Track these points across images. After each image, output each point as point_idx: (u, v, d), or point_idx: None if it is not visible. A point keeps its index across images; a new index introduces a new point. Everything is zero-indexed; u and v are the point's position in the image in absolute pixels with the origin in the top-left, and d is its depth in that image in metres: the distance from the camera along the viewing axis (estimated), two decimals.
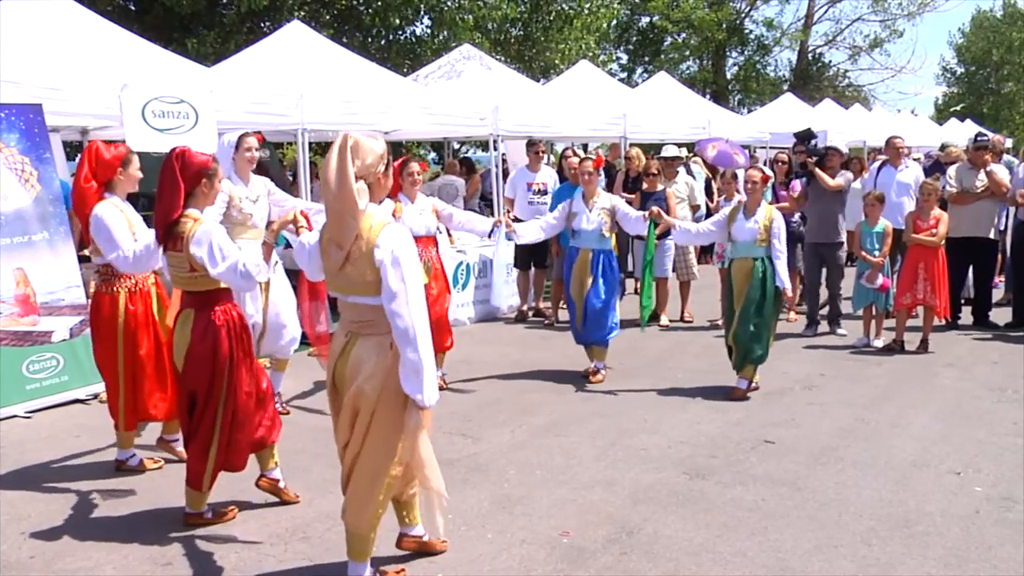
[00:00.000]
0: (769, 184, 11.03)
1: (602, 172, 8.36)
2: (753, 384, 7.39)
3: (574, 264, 7.77)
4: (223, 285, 4.70)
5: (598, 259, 7.69)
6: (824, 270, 9.99)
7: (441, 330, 7.11)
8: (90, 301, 5.68)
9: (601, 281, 7.67)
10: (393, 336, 3.80)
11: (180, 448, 5.59)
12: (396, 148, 22.17)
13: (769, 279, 7.19)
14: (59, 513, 5.12)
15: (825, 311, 9.99)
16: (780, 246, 7.22)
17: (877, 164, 11.55)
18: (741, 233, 7.31)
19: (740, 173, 10.10)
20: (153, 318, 5.65)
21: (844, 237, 9.95)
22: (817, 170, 9.70)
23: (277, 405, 6.71)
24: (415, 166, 7.41)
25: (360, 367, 3.90)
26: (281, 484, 5.15)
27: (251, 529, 4.83)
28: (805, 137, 10.42)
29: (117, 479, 5.62)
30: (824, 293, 10.10)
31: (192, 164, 4.69)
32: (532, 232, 7.64)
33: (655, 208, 7.50)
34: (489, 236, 7.42)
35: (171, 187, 4.64)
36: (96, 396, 7.42)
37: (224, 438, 4.73)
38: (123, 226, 5.31)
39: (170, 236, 4.67)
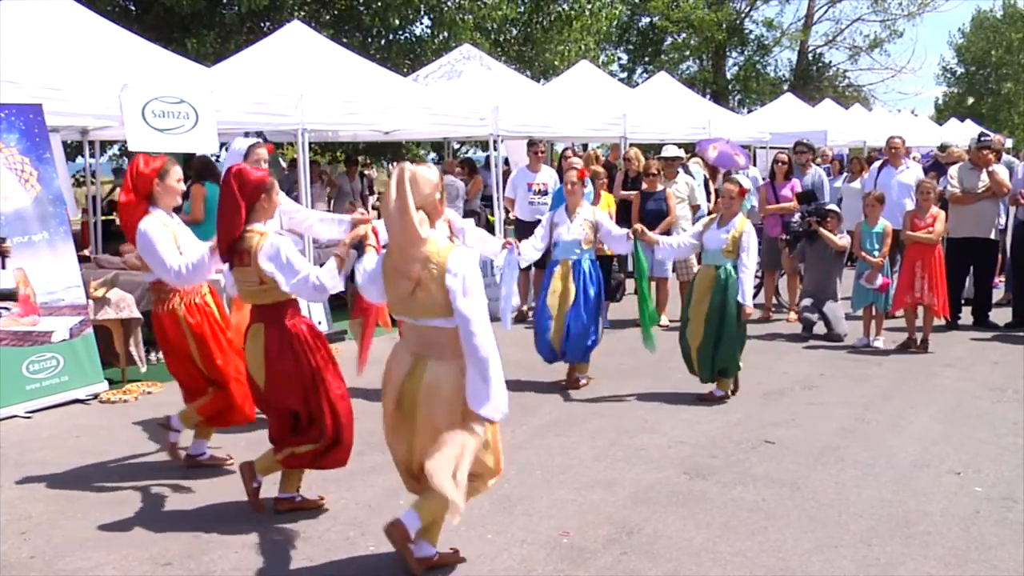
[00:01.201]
0: (769, 183, 11.10)
1: (588, 182, 8.25)
2: (729, 391, 7.35)
3: (553, 275, 7.58)
4: (291, 296, 4.76)
5: (579, 270, 7.50)
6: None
7: None
8: (152, 320, 5.65)
9: (582, 298, 7.45)
10: (467, 356, 3.94)
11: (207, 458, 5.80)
12: (396, 148, 22.16)
13: (731, 289, 7.07)
14: (59, 513, 5.11)
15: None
16: (748, 261, 7.07)
17: (877, 164, 11.55)
18: (711, 241, 7.27)
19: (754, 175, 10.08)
20: (219, 325, 5.62)
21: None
22: (823, 230, 9.62)
23: None
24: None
25: (436, 393, 4.01)
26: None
27: (250, 529, 4.82)
28: (807, 199, 10.36)
29: (117, 480, 5.62)
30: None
31: (250, 181, 4.73)
32: (530, 253, 7.28)
33: (638, 226, 7.45)
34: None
35: (231, 205, 4.69)
36: (96, 396, 7.43)
37: (329, 443, 4.84)
38: (168, 241, 5.27)
39: (234, 252, 4.71)
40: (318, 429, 4.79)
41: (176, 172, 5.53)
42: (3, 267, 7.07)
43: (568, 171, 7.94)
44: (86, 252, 10.37)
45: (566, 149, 13.75)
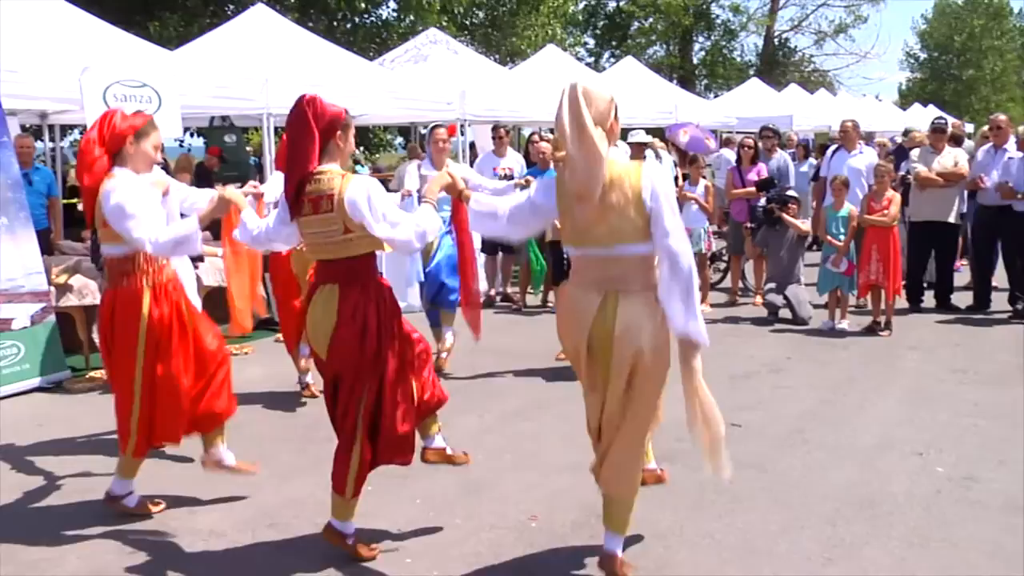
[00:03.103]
0: (735, 167, 11.16)
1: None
2: None
3: None
4: (370, 251, 4.16)
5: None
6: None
7: None
8: (102, 300, 4.81)
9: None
10: (668, 277, 3.64)
11: (229, 461, 5.00)
12: (363, 133, 22.03)
13: None
14: (22, 503, 5.06)
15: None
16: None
17: (832, 148, 11.60)
18: None
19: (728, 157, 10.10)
20: (184, 321, 4.74)
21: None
22: (786, 216, 9.68)
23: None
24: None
25: (634, 330, 3.69)
26: (448, 451, 4.72)
27: (216, 517, 4.79)
28: (767, 186, 10.44)
29: (81, 468, 5.55)
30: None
31: (326, 113, 4.13)
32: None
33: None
34: None
35: (305, 136, 4.08)
36: (59, 384, 7.34)
37: (366, 433, 4.17)
38: (144, 202, 4.47)
39: (304, 197, 4.08)
40: (354, 411, 4.15)
41: (156, 138, 4.76)
42: None
43: (438, 128, 7.90)
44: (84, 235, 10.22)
45: (533, 134, 13.69)
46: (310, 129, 4.06)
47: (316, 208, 4.05)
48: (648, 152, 11.22)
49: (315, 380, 6.79)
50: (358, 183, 4.05)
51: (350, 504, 4.24)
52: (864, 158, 10.48)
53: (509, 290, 11.13)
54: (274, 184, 5.84)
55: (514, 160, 11.25)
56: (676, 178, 12.22)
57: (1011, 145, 9.88)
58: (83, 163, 4.59)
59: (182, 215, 4.89)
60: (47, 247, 8.48)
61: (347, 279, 4.10)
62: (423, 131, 20.55)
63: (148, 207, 4.48)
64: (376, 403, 4.14)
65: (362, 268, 4.14)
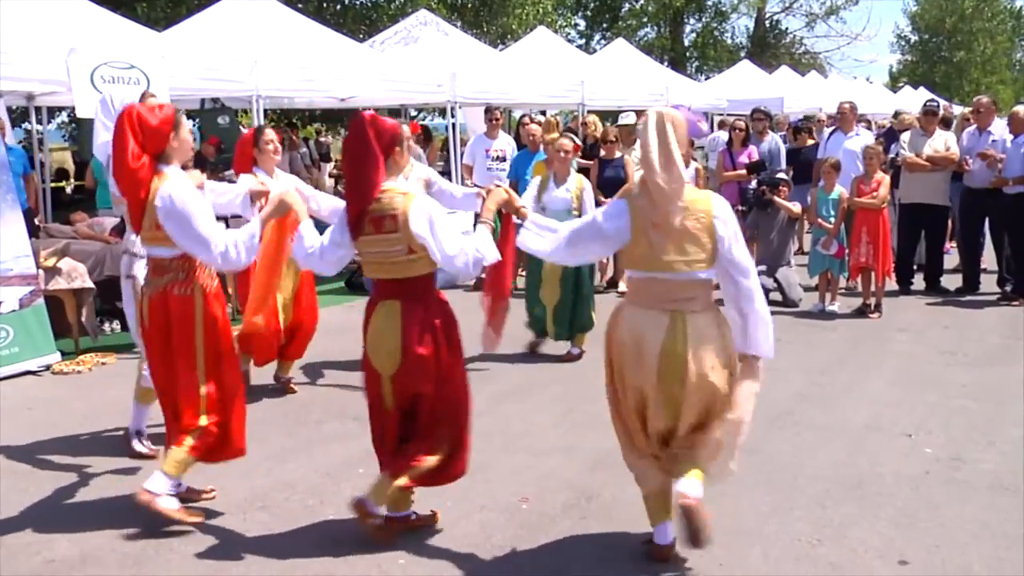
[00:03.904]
0: (726, 150, 11.16)
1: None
2: (583, 349, 7.57)
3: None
4: (433, 269, 4.08)
5: None
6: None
7: None
8: (148, 304, 4.38)
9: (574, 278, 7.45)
10: (741, 301, 3.84)
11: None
12: (353, 115, 21.93)
13: None
14: (11, 487, 5.04)
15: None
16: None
17: (829, 131, 11.59)
18: (554, 202, 7.34)
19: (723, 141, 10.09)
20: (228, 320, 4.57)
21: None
22: (778, 199, 9.68)
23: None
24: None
25: (706, 345, 3.80)
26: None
27: (208, 500, 4.78)
28: (757, 169, 10.45)
29: (71, 452, 5.55)
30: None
31: (386, 130, 4.03)
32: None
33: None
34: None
35: (369, 160, 3.96)
36: (48, 367, 7.33)
37: (447, 444, 4.19)
38: (207, 210, 4.29)
39: (367, 217, 3.98)
40: (445, 428, 4.16)
41: (187, 122, 4.75)
42: None
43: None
44: (36, 221, 10.17)
45: (524, 116, 13.70)
46: (373, 152, 3.97)
47: (378, 228, 3.97)
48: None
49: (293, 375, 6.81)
50: (421, 206, 3.98)
51: (394, 491, 4.16)
52: (861, 140, 10.49)
53: None
54: (244, 184, 5.78)
55: (506, 142, 11.24)
56: None
57: (996, 127, 9.90)
58: (128, 175, 4.21)
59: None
60: (32, 228, 8.43)
61: (410, 296, 4.04)
62: (413, 113, 20.51)
63: (210, 214, 4.30)
64: (459, 417, 4.23)
65: (425, 285, 4.09)
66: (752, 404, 3.93)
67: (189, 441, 4.34)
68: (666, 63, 31.10)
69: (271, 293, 5.32)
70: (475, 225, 4.22)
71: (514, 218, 4.31)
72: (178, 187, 4.19)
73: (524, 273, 8.05)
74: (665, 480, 3.99)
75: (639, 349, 3.83)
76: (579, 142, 8.54)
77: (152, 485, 4.32)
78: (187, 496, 4.62)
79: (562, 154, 7.54)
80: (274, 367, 6.69)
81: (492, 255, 4.06)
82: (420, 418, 4.14)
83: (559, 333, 7.61)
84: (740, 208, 10.35)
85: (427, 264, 4.02)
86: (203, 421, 4.35)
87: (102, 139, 5.45)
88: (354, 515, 4.17)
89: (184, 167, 4.49)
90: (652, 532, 4.08)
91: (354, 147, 4.02)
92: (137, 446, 5.40)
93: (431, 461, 4.13)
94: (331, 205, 6.09)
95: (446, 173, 13.13)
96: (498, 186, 4.42)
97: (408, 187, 4.22)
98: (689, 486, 3.81)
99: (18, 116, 14.44)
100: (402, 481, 4.11)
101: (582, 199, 7.38)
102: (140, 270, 5.29)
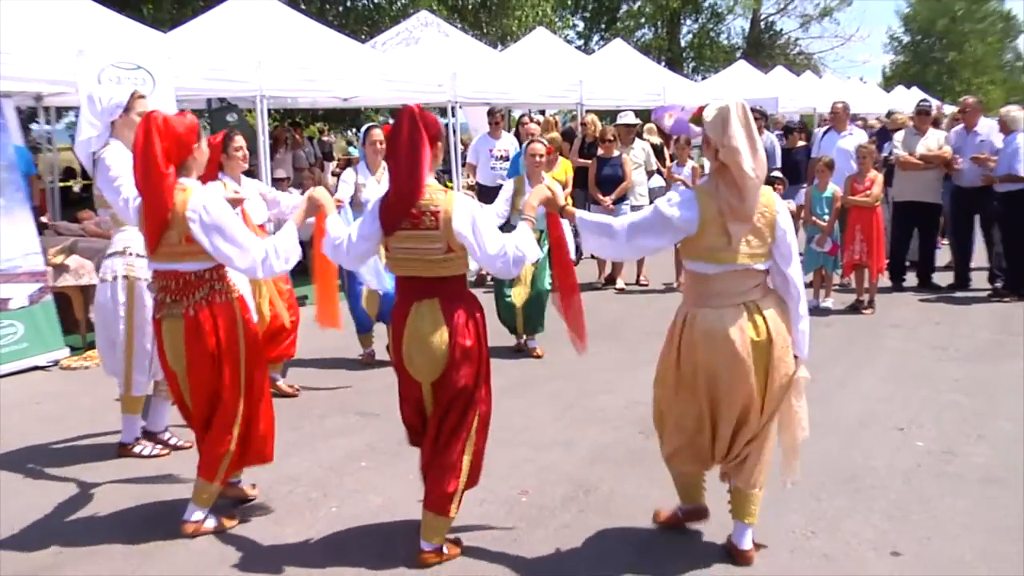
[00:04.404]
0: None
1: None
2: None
3: None
4: (465, 271, 3.93)
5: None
6: None
7: None
8: (188, 322, 4.12)
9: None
10: (795, 301, 3.85)
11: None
12: (355, 115, 21.92)
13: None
14: (22, 479, 5.06)
15: None
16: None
17: (823, 130, 11.58)
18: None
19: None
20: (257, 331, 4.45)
21: None
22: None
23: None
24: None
25: (782, 328, 3.80)
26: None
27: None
28: None
29: (77, 444, 5.57)
30: None
31: (433, 122, 3.81)
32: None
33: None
34: None
35: (420, 152, 3.74)
36: (57, 363, 7.33)
37: (472, 445, 3.96)
38: (236, 217, 4.16)
39: (406, 214, 3.78)
40: (469, 425, 3.93)
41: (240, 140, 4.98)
42: None
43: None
44: (44, 219, 10.17)
45: (523, 116, 13.70)
46: (423, 143, 3.75)
47: (417, 224, 3.76)
48: (636, 137, 11.22)
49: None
50: (464, 204, 3.81)
51: (449, 523, 4.00)
52: (854, 139, 10.46)
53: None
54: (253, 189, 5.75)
55: (509, 142, 11.25)
56: (662, 159, 12.23)
57: (984, 126, 9.89)
58: (155, 183, 3.98)
59: None
60: (38, 226, 8.42)
61: (447, 294, 3.84)
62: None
63: (241, 222, 4.16)
64: (484, 416, 4.01)
65: (461, 284, 3.93)
66: (806, 415, 4.01)
67: (221, 471, 4.24)
68: (663, 63, 31.05)
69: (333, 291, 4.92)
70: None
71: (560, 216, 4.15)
72: (209, 198, 4.04)
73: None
74: (699, 471, 4.16)
75: (732, 351, 3.73)
76: (550, 145, 8.46)
77: (191, 516, 4.30)
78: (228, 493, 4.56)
79: (537, 159, 7.42)
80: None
81: (533, 253, 3.87)
82: (446, 424, 3.90)
83: (529, 329, 7.65)
84: None
85: (463, 264, 3.87)
86: (234, 435, 4.20)
87: (85, 135, 5.33)
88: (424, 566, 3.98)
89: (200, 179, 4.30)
90: (731, 534, 4.08)
91: (403, 138, 3.75)
92: (144, 451, 5.36)
93: (461, 483, 3.93)
94: (295, 203, 6.03)
95: (446, 171, 13.16)
96: (545, 185, 4.25)
97: (383, 190, 4.07)
98: (744, 537, 3.99)
99: (27, 116, 14.41)
100: (455, 510, 3.95)
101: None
102: (143, 270, 5.09)
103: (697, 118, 3.88)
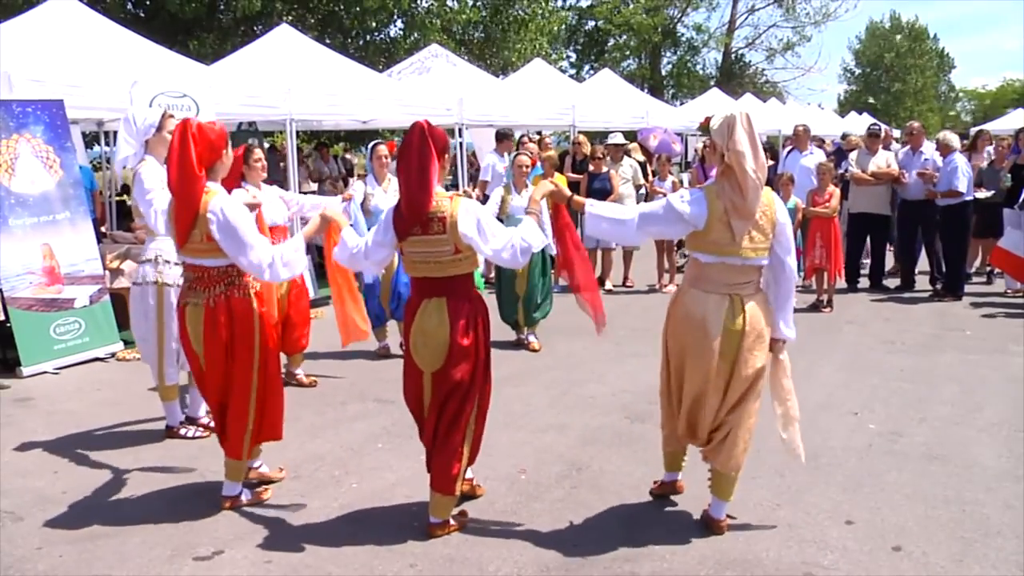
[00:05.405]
0: (699, 165, 11.13)
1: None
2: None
3: None
4: (472, 269, 3.84)
5: None
6: None
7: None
8: (211, 312, 4.06)
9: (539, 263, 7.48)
10: (783, 288, 3.83)
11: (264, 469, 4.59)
12: (373, 135, 21.88)
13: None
14: (85, 455, 5.07)
15: None
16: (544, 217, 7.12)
17: (787, 149, 11.57)
18: (516, 210, 7.30)
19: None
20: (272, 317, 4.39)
21: None
22: None
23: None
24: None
25: (758, 324, 3.76)
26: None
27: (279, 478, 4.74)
28: None
29: (134, 425, 5.57)
30: None
31: (440, 136, 3.73)
32: None
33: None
34: None
35: (429, 164, 3.66)
36: (113, 355, 7.34)
37: (471, 433, 3.93)
38: (252, 222, 4.06)
39: (418, 221, 3.70)
40: (469, 414, 3.86)
41: (259, 152, 5.03)
42: None
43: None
44: (103, 229, 10.19)
45: (523, 136, 13.68)
46: (432, 156, 3.66)
47: (426, 229, 3.69)
48: (624, 155, 11.21)
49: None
50: (468, 207, 3.73)
51: (454, 501, 3.97)
52: (814, 158, 10.52)
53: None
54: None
55: None
56: (646, 175, 12.22)
57: (928, 148, 9.91)
58: (189, 183, 3.93)
59: None
60: (98, 235, 8.45)
61: (455, 293, 3.77)
62: None
63: (255, 228, 4.06)
64: (483, 407, 3.97)
65: (468, 283, 3.85)
66: (795, 399, 4.04)
67: (245, 447, 4.22)
68: (646, 90, 31.01)
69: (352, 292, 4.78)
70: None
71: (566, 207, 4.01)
72: (228, 202, 3.99)
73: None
74: (679, 447, 4.18)
75: (704, 330, 3.71)
76: (535, 156, 8.52)
77: (227, 491, 4.31)
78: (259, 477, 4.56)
79: (523, 168, 7.54)
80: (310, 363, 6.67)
81: (538, 242, 3.77)
82: (445, 414, 3.84)
83: (528, 321, 7.61)
84: None
85: (471, 263, 3.80)
86: (251, 414, 4.17)
87: (123, 154, 5.30)
88: (433, 537, 3.94)
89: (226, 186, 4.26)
90: (707, 507, 4.07)
91: (414, 151, 3.68)
92: (188, 433, 5.35)
93: (463, 463, 3.90)
94: (314, 203, 6.40)
95: (454, 185, 13.14)
96: (550, 180, 4.14)
97: (389, 199, 4.01)
98: (719, 510, 4.00)
99: (90, 139, 14.42)
100: (458, 492, 3.93)
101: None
102: (171, 276, 5.10)
103: (705, 127, 3.88)
